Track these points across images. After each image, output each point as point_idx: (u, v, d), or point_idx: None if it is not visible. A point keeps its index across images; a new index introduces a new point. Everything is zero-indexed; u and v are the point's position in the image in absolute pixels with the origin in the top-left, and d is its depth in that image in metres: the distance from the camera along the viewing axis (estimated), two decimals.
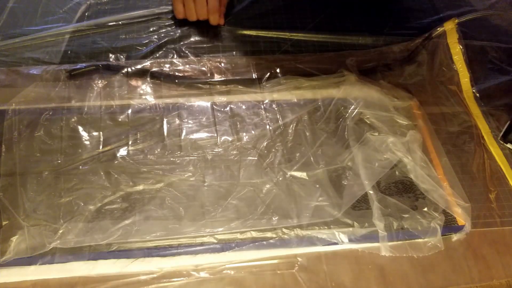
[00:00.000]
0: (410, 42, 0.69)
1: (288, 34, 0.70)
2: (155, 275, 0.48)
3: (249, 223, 0.51)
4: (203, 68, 0.64)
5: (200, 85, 0.62)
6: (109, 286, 0.47)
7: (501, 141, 0.61)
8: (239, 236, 0.50)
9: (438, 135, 0.60)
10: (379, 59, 0.68)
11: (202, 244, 0.50)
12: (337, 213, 0.52)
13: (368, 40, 0.70)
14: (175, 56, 0.66)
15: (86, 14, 0.71)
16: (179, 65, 0.65)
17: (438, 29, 0.68)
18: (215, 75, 0.64)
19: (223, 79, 0.63)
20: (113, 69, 0.63)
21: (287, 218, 0.51)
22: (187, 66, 0.65)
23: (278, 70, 0.64)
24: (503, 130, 0.61)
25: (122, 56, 0.65)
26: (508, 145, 0.60)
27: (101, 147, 0.55)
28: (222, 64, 0.65)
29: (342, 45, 0.69)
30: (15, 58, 0.64)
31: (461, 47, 0.67)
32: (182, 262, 0.49)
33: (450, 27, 0.67)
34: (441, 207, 0.52)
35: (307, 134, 0.58)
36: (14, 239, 0.48)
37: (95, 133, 0.56)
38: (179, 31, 0.69)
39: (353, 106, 0.60)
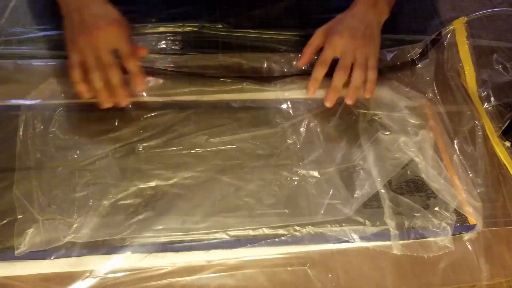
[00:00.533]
0: (420, 42, 0.69)
1: (298, 33, 0.70)
2: (168, 270, 0.48)
3: (261, 220, 0.52)
4: (217, 65, 0.64)
5: (213, 82, 0.63)
6: (122, 280, 0.47)
7: (500, 139, 0.61)
8: (251, 232, 0.51)
9: (448, 134, 0.60)
10: (390, 59, 0.68)
11: (214, 240, 0.50)
12: (349, 211, 0.52)
13: None
14: (188, 53, 0.66)
15: None
16: (192, 61, 0.65)
17: (448, 27, 0.68)
18: (229, 72, 0.64)
19: (236, 76, 0.63)
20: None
21: (299, 216, 0.52)
22: (201, 63, 0.65)
23: (290, 69, 0.64)
24: (503, 127, 0.61)
25: None
26: (506, 143, 0.60)
27: (115, 143, 0.55)
28: (236, 62, 0.65)
29: None
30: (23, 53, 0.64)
31: (468, 45, 0.67)
32: (194, 258, 0.49)
33: (459, 26, 0.67)
34: (452, 207, 0.53)
35: (319, 132, 0.59)
36: (29, 232, 0.49)
37: (109, 129, 0.57)
38: (191, 27, 0.69)
39: (365, 107, 0.61)
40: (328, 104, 0.58)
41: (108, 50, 0.55)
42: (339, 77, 0.59)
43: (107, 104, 0.55)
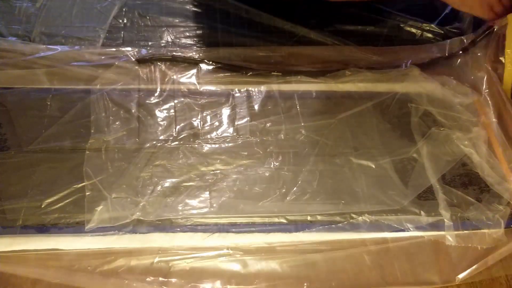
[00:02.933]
0: (470, 34, 0.68)
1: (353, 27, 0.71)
2: (230, 250, 0.50)
3: (317, 207, 0.53)
4: (270, 58, 0.66)
5: (266, 74, 0.64)
6: (186, 256, 0.49)
7: None
8: (309, 218, 0.53)
9: (502, 129, 0.60)
10: (439, 52, 0.68)
11: (273, 224, 0.52)
12: (404, 202, 0.54)
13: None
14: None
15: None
16: (245, 54, 0.66)
17: (501, 21, 0.66)
18: (282, 65, 0.65)
19: (289, 69, 0.65)
20: (180, 59, 0.65)
21: (354, 204, 0.54)
22: (254, 55, 0.66)
23: (342, 63, 0.66)
24: None
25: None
26: None
27: (177, 128, 0.58)
28: (289, 55, 0.66)
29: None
30: None
31: None
32: (255, 239, 0.51)
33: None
34: (506, 200, 0.54)
35: (372, 125, 0.60)
36: (98, 209, 0.51)
37: (172, 115, 0.59)
38: (240, 20, 0.71)
39: (417, 102, 0.62)
40: None
41: None
42: None
43: None
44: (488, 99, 0.63)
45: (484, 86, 0.65)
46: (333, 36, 0.69)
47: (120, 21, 0.68)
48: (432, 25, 0.72)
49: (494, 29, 0.65)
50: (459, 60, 0.67)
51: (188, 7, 0.71)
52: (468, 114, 0.61)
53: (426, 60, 0.67)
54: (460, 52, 0.68)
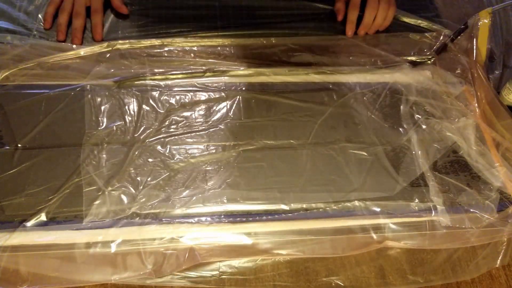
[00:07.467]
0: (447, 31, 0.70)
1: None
2: (226, 240, 0.51)
3: (312, 195, 0.54)
4: (262, 50, 0.67)
5: (258, 65, 0.65)
6: (186, 247, 0.50)
7: None
8: (304, 206, 0.53)
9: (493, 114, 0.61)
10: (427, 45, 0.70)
11: (269, 213, 0.53)
12: (396, 189, 0.55)
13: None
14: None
15: None
16: (237, 46, 0.67)
17: (474, 17, 0.67)
18: (273, 56, 0.66)
19: (280, 60, 0.66)
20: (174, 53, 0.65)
21: (349, 192, 0.54)
22: (246, 46, 0.67)
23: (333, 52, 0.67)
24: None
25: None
26: None
27: (171, 121, 0.59)
28: (279, 46, 0.67)
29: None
30: None
31: (488, 37, 0.67)
32: (251, 229, 0.52)
33: (484, 16, 0.68)
34: (496, 185, 0.55)
35: (364, 115, 0.61)
36: (96, 203, 0.51)
37: (165, 108, 0.60)
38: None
39: (406, 92, 0.63)
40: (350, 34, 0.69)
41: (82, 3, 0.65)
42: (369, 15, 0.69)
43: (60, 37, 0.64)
44: (473, 89, 0.65)
45: (469, 77, 0.66)
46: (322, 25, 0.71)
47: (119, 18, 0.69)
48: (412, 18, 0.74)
49: (467, 26, 0.67)
50: (441, 52, 0.69)
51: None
52: (457, 103, 0.62)
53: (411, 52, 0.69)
54: (442, 45, 0.69)
